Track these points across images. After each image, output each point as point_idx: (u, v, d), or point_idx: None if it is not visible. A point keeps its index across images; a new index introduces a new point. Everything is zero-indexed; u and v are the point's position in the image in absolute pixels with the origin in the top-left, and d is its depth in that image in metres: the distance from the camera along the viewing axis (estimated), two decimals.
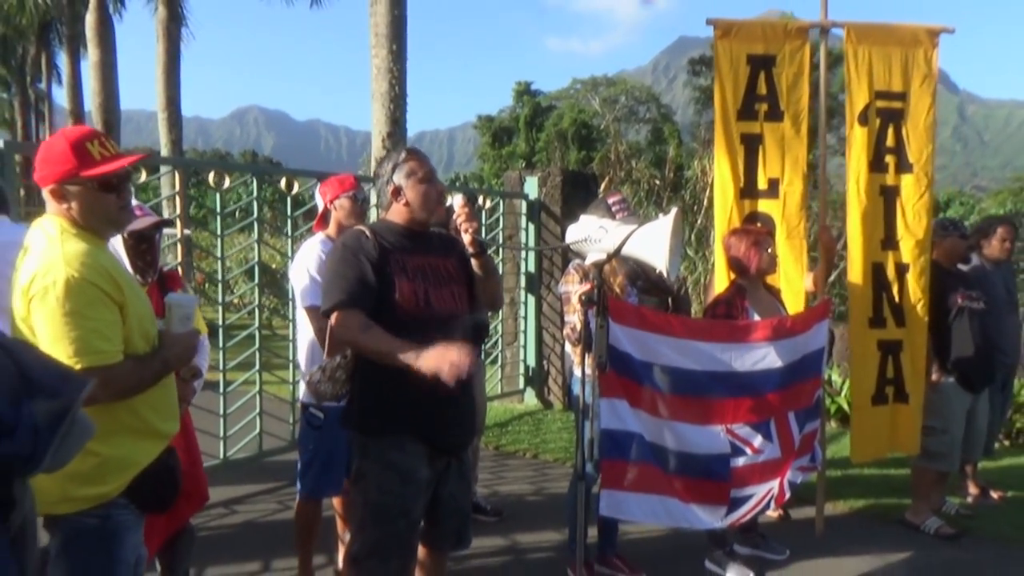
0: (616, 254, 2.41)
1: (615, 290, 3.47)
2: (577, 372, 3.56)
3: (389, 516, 2.55)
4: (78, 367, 1.75)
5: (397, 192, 2.66)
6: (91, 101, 17.26)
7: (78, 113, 23.02)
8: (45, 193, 1.96)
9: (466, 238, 2.65)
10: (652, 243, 2.28)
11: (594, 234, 2.45)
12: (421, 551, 2.77)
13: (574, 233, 2.58)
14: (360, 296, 2.52)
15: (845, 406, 6.18)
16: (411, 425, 2.53)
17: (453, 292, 2.66)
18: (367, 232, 2.63)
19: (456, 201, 2.70)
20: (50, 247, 1.87)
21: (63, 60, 26.56)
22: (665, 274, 2.32)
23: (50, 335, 1.76)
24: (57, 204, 1.95)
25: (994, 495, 4.92)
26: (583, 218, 2.63)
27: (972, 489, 4.92)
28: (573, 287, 3.34)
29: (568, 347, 3.65)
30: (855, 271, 4.21)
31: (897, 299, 4.21)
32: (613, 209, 3.31)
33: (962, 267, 4.58)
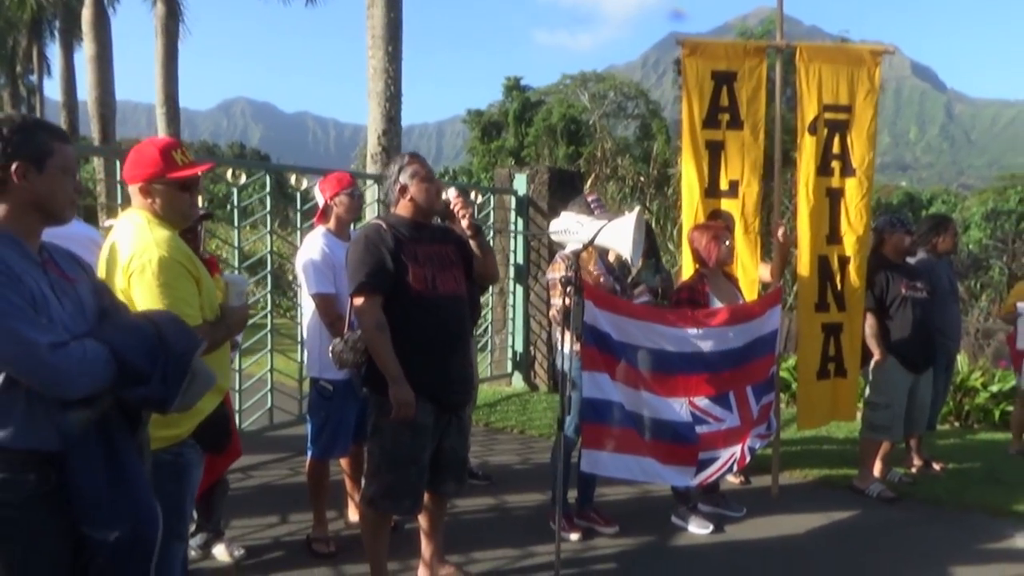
0: (590, 244, 2.93)
1: (592, 276, 3.98)
2: (562, 349, 4.09)
3: (402, 463, 3.07)
4: None
5: (404, 190, 3.17)
6: (87, 94, 17.60)
7: (71, 106, 23.25)
8: (133, 190, 2.45)
9: (464, 222, 3.17)
10: (619, 235, 2.81)
11: (572, 227, 2.98)
12: (425, 495, 3.29)
13: (556, 226, 3.10)
14: (380, 281, 3.03)
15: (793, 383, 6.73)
16: (421, 386, 3.03)
17: (454, 275, 3.18)
18: (384, 225, 3.14)
19: (450, 193, 3.21)
20: (142, 233, 2.36)
21: (55, 53, 26.80)
22: (629, 260, 2.83)
23: (147, 302, 2.25)
24: (143, 199, 2.43)
25: (936, 467, 5.47)
26: (563, 214, 3.15)
27: (916, 461, 5.46)
28: (559, 275, 3.86)
29: (556, 329, 4.16)
30: (803, 263, 4.76)
31: (839, 287, 4.77)
32: (592, 206, 3.84)
33: (909, 260, 5.11)
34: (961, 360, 7.01)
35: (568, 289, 2.99)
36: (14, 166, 1.78)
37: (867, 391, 4.96)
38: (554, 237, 3.12)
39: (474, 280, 3.36)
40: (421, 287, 3.06)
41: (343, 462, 4.13)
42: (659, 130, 38.93)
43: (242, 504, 4.46)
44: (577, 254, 3.05)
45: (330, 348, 3.21)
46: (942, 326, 5.22)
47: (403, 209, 3.20)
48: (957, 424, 6.89)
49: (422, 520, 3.41)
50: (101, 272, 2.39)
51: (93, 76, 17.08)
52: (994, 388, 6.78)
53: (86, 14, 17.21)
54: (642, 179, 13.86)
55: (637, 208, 2.95)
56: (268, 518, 4.30)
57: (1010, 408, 6.67)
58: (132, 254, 2.30)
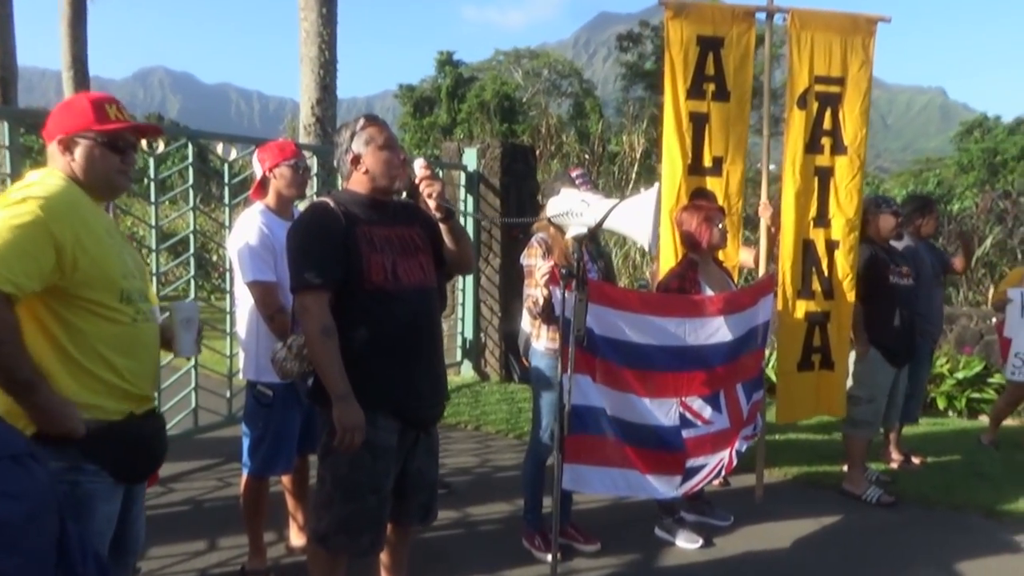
0: (598, 228, 2.42)
1: (569, 261, 3.48)
2: (536, 345, 3.59)
3: (360, 492, 2.52)
4: None
5: (357, 160, 2.60)
6: None
7: None
8: (52, 149, 2.04)
9: (431, 203, 2.62)
10: (636, 218, 2.29)
11: (576, 207, 2.44)
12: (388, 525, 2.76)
13: (556, 206, 2.56)
14: (327, 275, 2.46)
15: (772, 376, 6.43)
16: (382, 400, 2.50)
17: (421, 263, 2.63)
18: (331, 203, 2.57)
19: (417, 164, 2.65)
20: (42, 177, 1.98)
21: None
22: (647, 248, 2.35)
23: None
24: (62, 157, 2.02)
25: (915, 460, 5.22)
26: (564, 191, 2.61)
27: (895, 455, 5.19)
28: (536, 260, 3.35)
29: (525, 321, 3.66)
30: (787, 247, 4.37)
31: (826, 273, 4.39)
32: (577, 182, 3.34)
33: (895, 244, 4.79)
34: None
35: (571, 282, 2.47)
36: None
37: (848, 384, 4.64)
38: (553, 220, 2.60)
39: (443, 269, 2.83)
40: (379, 279, 2.50)
41: (284, 478, 3.56)
42: (592, 109, 38.78)
43: (162, 526, 3.83)
44: (582, 240, 2.54)
45: (271, 356, 2.63)
46: (926, 313, 4.96)
47: (357, 183, 2.63)
48: (922, 412, 6.72)
49: (383, 555, 2.87)
50: None
51: None
52: (960, 375, 6.63)
53: None
54: (587, 156, 13.47)
55: (657, 184, 2.46)
56: (194, 544, 3.69)
57: (976, 395, 6.56)
58: (19, 186, 1.94)
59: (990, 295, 10.18)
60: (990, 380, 6.62)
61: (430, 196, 2.59)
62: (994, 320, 7.13)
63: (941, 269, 5.21)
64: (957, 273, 5.45)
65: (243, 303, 3.32)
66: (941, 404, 6.60)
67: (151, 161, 4.67)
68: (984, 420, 6.50)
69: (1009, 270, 10.19)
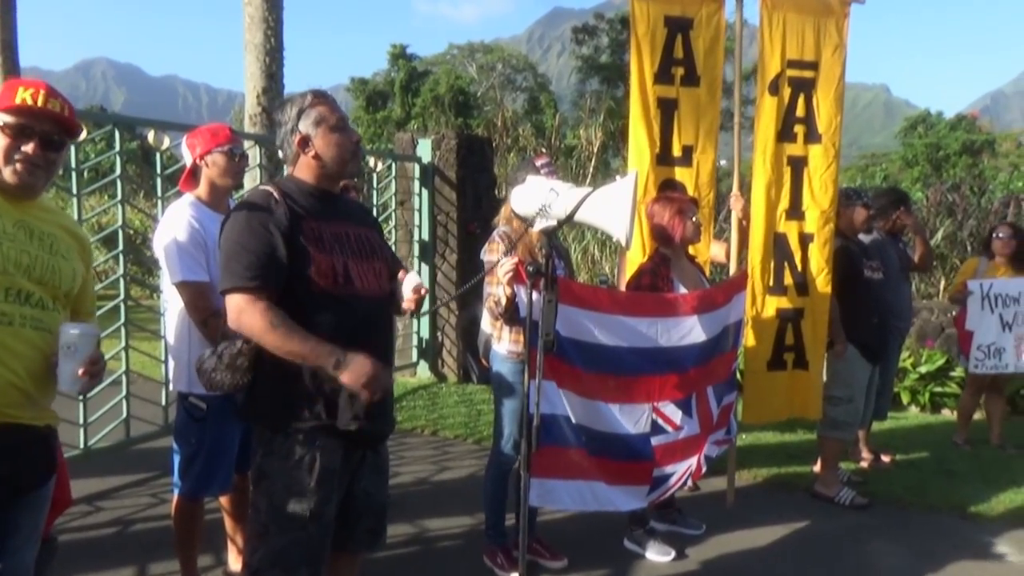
0: (568, 220, 2.14)
1: (535, 257, 3.21)
2: (496, 347, 3.32)
3: (298, 521, 2.21)
4: None
5: (305, 143, 2.29)
6: None
7: None
8: None
9: (409, 305, 2.35)
10: (612, 208, 2.02)
11: (545, 197, 2.16)
12: (330, 554, 2.45)
13: (522, 196, 2.28)
14: (267, 276, 2.14)
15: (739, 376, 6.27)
16: (326, 417, 2.19)
17: (375, 269, 2.33)
18: (276, 193, 2.25)
19: (409, 284, 2.35)
20: None
21: None
22: (624, 243, 2.09)
23: None
24: None
25: (885, 459, 5.08)
26: (530, 179, 2.33)
27: (865, 454, 5.05)
28: (497, 257, 3.07)
29: (485, 322, 3.38)
30: (756, 240, 4.16)
31: (800, 268, 4.20)
32: (542, 172, 3.05)
33: (863, 237, 4.64)
34: None
35: (539, 282, 2.19)
36: None
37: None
38: (518, 210, 2.31)
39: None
40: (327, 282, 2.19)
41: (223, 498, 3.22)
42: (548, 103, 38.66)
43: (86, 551, 3.48)
44: (551, 233, 2.27)
45: (196, 365, 2.30)
46: (896, 308, 4.82)
47: (305, 170, 2.32)
48: None
49: None
50: None
51: None
52: (923, 369, 6.55)
53: None
54: (544, 150, 13.25)
55: (633, 172, 2.21)
56: (121, 570, 3.34)
57: (938, 389, 6.48)
58: None
59: (942, 287, 10.23)
60: (952, 374, 6.55)
61: (410, 307, 2.33)
62: (953, 313, 7.07)
63: (907, 263, 5.08)
64: (918, 268, 5.34)
65: (172, 306, 2.98)
66: (905, 399, 6.51)
67: (72, 150, 4.26)
68: (947, 414, 6.45)
69: (960, 262, 10.26)
